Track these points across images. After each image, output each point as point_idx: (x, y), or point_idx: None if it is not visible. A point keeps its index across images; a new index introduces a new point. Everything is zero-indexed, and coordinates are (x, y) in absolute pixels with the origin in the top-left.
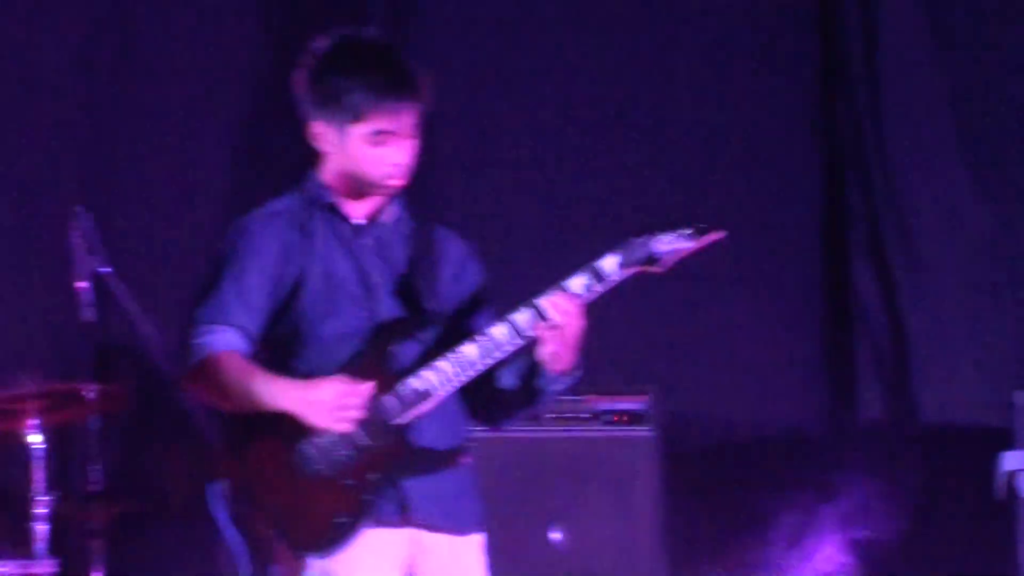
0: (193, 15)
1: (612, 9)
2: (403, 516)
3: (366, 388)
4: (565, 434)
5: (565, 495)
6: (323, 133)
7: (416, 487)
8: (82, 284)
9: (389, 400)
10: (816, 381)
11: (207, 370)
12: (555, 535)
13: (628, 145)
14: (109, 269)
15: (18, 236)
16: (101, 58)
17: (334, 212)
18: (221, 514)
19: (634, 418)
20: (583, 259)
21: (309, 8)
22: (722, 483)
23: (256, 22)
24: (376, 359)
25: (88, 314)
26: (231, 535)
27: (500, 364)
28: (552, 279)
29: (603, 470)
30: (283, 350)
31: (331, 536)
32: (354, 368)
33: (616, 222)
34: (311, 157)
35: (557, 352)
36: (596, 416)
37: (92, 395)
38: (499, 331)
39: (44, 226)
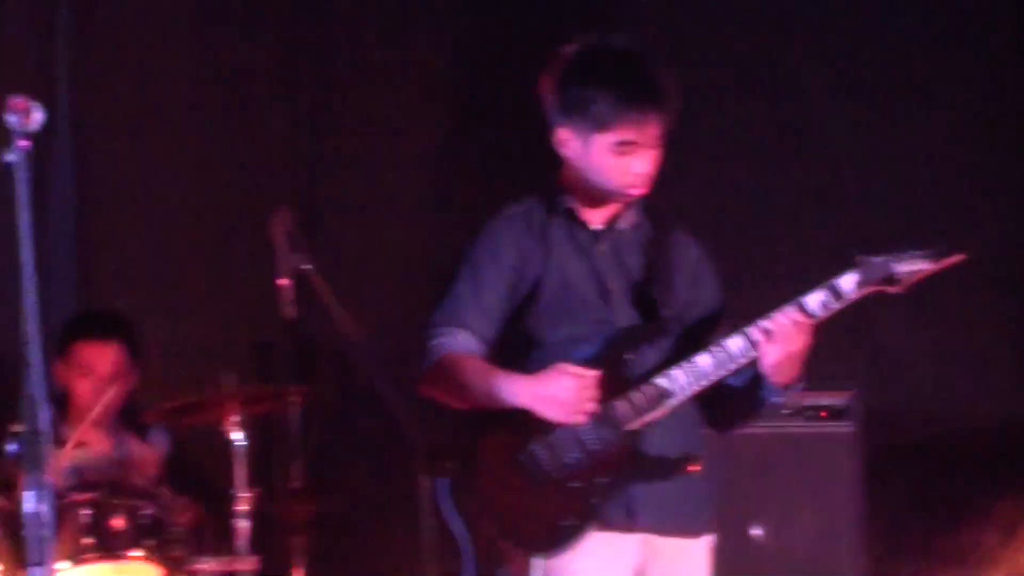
0: (395, 17)
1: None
2: (630, 520)
3: (596, 377)
4: (767, 430)
5: (767, 490)
6: (567, 140)
7: (644, 492)
8: (284, 281)
9: (622, 406)
10: (1021, 373)
11: (442, 370)
12: (757, 531)
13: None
14: (311, 266)
15: (223, 235)
16: (304, 60)
17: (573, 218)
18: (449, 512)
19: (836, 413)
20: (810, 270)
21: (510, 11)
22: (925, 478)
23: (459, 23)
24: (610, 365)
25: (290, 311)
26: (459, 533)
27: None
28: (782, 291)
29: (805, 466)
30: (517, 353)
31: (557, 538)
32: None
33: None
34: (509, 159)
35: (783, 365)
36: (798, 412)
37: (294, 392)
38: (734, 343)
39: (248, 225)
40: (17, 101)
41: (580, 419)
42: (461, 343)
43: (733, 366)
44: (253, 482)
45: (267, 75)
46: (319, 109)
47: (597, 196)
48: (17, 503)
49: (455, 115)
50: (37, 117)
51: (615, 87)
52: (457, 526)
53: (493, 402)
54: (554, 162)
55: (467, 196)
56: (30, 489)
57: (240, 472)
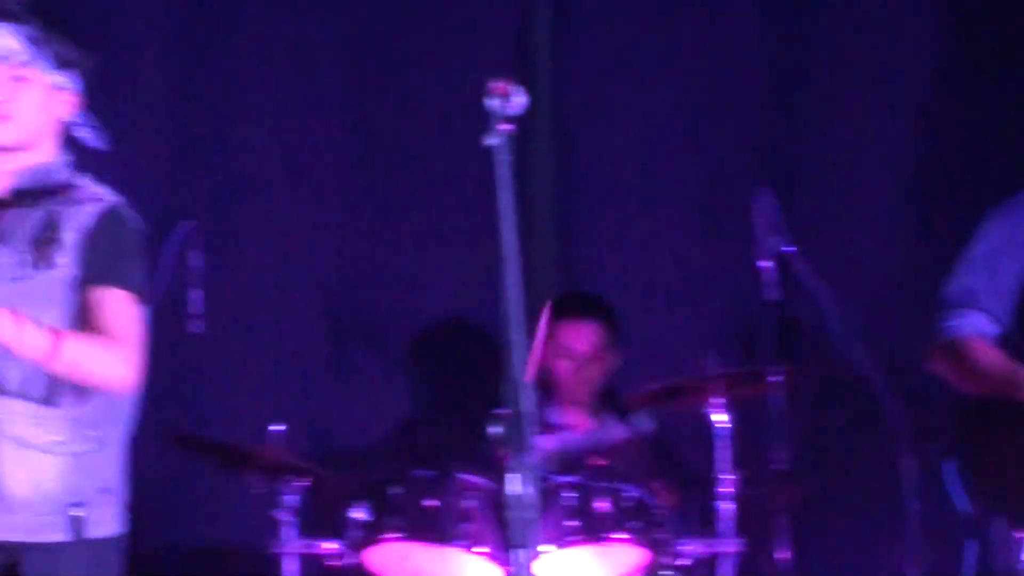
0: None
1: None
2: None
3: None
4: None
5: None
6: None
7: None
8: (765, 263)
9: None
10: None
11: (954, 352)
12: None
13: None
14: (792, 248)
15: (703, 218)
16: (782, 40)
17: None
18: (957, 494)
19: None
20: None
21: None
22: None
23: (940, 9)
24: None
25: (772, 293)
26: (965, 515)
27: None
28: None
29: None
30: None
31: None
32: None
33: None
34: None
35: None
36: None
37: (776, 374)
38: None
39: (728, 207)
40: (498, 85)
41: None
42: (977, 326)
43: None
44: (736, 465)
45: (744, 55)
46: (799, 91)
47: None
48: (502, 485)
49: (932, 96)
50: (519, 101)
51: None
52: (964, 508)
53: (1009, 393)
54: None
55: (947, 181)
56: (515, 471)
57: (723, 455)
